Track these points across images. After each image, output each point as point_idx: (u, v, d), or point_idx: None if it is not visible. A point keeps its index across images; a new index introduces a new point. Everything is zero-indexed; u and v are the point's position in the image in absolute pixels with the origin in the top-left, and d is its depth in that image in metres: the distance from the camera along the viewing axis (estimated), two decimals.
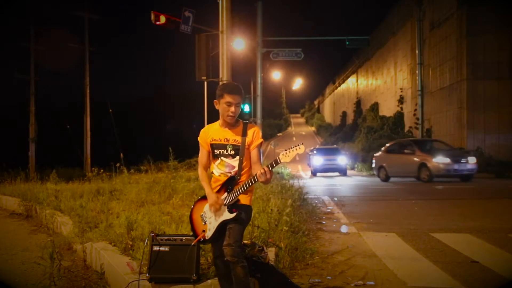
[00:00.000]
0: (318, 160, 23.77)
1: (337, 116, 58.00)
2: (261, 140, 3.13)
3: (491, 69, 21.77)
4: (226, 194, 3.07)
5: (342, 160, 24.05)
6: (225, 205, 3.05)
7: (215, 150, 3.13)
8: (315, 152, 25.29)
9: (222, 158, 3.11)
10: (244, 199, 3.08)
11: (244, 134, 3.09)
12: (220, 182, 3.11)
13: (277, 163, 2.91)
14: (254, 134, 3.10)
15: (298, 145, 2.90)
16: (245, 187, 3.00)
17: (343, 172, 23.68)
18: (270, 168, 2.90)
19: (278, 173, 14.99)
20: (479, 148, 21.12)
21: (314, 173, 23.91)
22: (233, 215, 3.01)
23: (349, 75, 51.50)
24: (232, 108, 3.04)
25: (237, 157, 3.07)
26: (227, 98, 3.03)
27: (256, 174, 2.96)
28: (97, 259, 4.47)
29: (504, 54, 21.70)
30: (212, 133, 3.17)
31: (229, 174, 3.09)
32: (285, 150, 2.92)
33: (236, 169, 3.08)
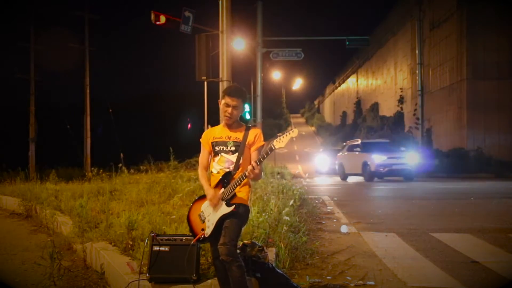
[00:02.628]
0: (379, 158, 17.10)
1: (337, 116, 57.96)
2: (263, 143, 3.19)
3: (491, 69, 21.76)
4: (223, 189, 3.10)
5: (412, 159, 17.61)
6: (222, 199, 3.07)
7: (216, 147, 3.19)
8: (362, 146, 18.83)
9: (222, 154, 3.16)
10: (241, 198, 3.11)
11: (246, 134, 3.16)
12: (218, 179, 3.14)
13: (272, 149, 2.95)
14: (257, 136, 3.16)
15: (291, 129, 2.93)
16: (240, 181, 3.03)
17: (410, 176, 17.27)
18: (266, 156, 2.97)
19: (278, 173, 14.99)
20: (479, 148, 21.12)
21: (369, 177, 17.49)
22: (231, 208, 3.03)
23: (349, 75, 51.48)
24: (229, 110, 3.13)
25: (237, 154, 3.13)
26: (226, 99, 3.16)
27: (245, 172, 3.00)
28: (97, 259, 4.48)
29: (504, 54, 21.70)
30: (214, 132, 3.27)
31: (227, 170, 3.13)
32: (278, 135, 2.95)
33: (234, 165, 3.12)
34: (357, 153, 18.62)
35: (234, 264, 2.96)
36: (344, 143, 22.05)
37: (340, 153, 20.57)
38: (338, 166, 20.25)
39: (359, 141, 20.10)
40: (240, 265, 3.00)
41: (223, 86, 9.18)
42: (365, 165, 17.70)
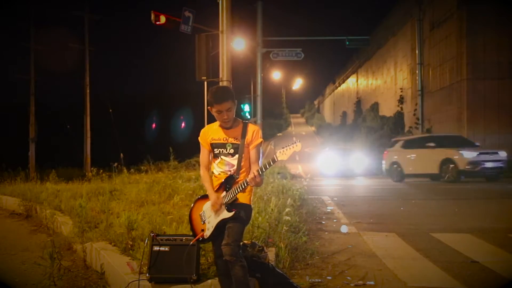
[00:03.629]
0: (470, 154, 14.88)
1: (337, 116, 57.95)
2: (261, 140, 3.15)
3: (491, 69, 21.74)
4: (224, 193, 3.08)
5: (503, 155, 15.38)
6: (223, 203, 3.06)
7: (215, 149, 3.16)
8: (438, 140, 16.34)
9: (222, 157, 3.14)
10: (243, 198, 3.09)
11: (244, 133, 3.11)
12: (220, 181, 3.13)
13: (274, 161, 2.93)
14: (254, 133, 3.12)
15: (295, 142, 2.91)
16: (242, 186, 3.01)
17: (499, 176, 15.36)
18: (268, 166, 2.94)
19: (278, 173, 14.99)
20: None
21: (455, 178, 14.93)
22: (232, 213, 3.02)
23: (349, 75, 51.46)
24: (224, 115, 3.07)
25: (236, 156, 3.09)
26: (216, 107, 3.07)
27: (247, 178, 2.98)
28: (97, 259, 4.48)
29: (504, 54, 21.67)
30: (211, 133, 3.20)
31: (229, 173, 3.11)
32: (283, 148, 2.93)
33: (235, 167, 3.09)
34: (429, 149, 15.87)
35: (238, 264, 2.96)
36: (394, 139, 19.26)
37: (392, 150, 17.64)
38: (390, 165, 17.33)
39: (428, 135, 17.18)
40: (243, 265, 3.00)
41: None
42: (446, 163, 15.07)
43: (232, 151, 3.11)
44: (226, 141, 3.12)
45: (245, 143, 3.10)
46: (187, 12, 10.46)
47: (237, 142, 3.10)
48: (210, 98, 3.10)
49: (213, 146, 3.17)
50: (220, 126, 3.17)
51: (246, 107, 22.25)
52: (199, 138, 3.25)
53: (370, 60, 41.12)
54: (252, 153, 3.12)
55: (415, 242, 5.66)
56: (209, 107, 3.14)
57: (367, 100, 42.10)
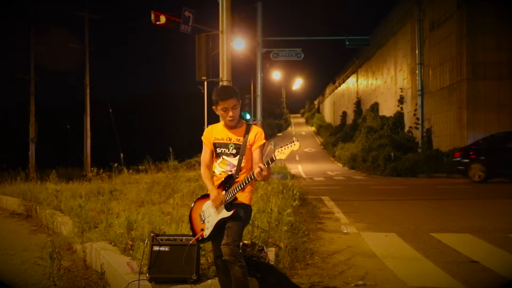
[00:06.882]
0: None
1: (337, 116, 57.96)
2: (264, 141, 3.15)
3: (491, 69, 21.73)
4: (224, 192, 3.08)
5: None
6: (223, 203, 3.06)
7: (217, 149, 3.17)
8: None
9: (224, 156, 3.14)
10: (243, 198, 3.10)
11: (246, 134, 3.12)
12: (220, 181, 3.13)
13: (272, 160, 2.92)
14: (257, 135, 3.13)
15: (293, 141, 2.92)
16: (242, 186, 3.01)
17: None
18: (266, 166, 2.92)
19: (278, 172, 14.98)
20: None
21: None
22: (230, 213, 3.02)
23: (349, 75, 51.45)
24: (230, 113, 3.07)
25: (238, 156, 3.10)
26: (222, 104, 3.08)
27: (253, 172, 2.97)
28: (97, 259, 4.47)
29: (504, 54, 21.67)
30: (215, 132, 3.21)
31: (230, 173, 3.11)
32: (281, 147, 2.94)
33: (236, 168, 3.10)
34: None
35: (237, 264, 2.96)
36: None
37: None
38: None
39: None
40: (243, 265, 3.00)
41: None
42: None
43: (234, 151, 3.11)
44: (229, 141, 3.13)
45: (248, 144, 3.10)
46: (187, 12, 10.45)
47: (239, 143, 3.11)
48: (215, 96, 3.12)
49: (215, 145, 3.17)
50: (225, 126, 3.18)
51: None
52: (202, 137, 3.26)
53: (370, 60, 41.11)
54: (255, 153, 3.12)
55: (415, 242, 5.66)
56: (213, 107, 3.15)
57: (367, 100, 42.10)
